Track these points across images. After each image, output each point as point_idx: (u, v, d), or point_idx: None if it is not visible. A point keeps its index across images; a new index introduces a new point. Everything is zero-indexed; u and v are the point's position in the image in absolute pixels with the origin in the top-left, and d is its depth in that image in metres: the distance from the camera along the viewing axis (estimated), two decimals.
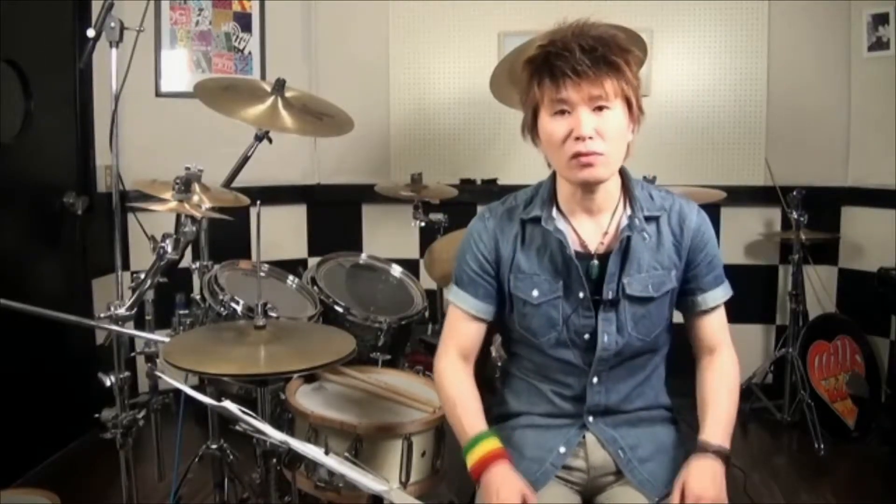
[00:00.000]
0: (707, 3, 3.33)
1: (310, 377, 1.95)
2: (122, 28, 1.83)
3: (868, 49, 3.20)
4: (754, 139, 3.37)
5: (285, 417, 1.91)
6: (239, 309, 2.14)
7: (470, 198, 3.27)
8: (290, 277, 2.52)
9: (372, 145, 3.57)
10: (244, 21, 3.43)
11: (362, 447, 1.67)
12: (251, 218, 2.73)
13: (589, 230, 1.41)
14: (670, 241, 1.40)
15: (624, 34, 1.32)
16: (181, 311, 2.22)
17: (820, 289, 3.37)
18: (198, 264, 2.35)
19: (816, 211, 3.14)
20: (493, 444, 1.37)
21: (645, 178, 2.04)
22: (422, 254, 3.40)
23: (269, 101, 2.35)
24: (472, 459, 1.36)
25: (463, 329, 1.48)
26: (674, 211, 1.42)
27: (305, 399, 1.84)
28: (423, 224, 2.88)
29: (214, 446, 2.10)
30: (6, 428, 2.41)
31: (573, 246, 1.38)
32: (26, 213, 2.72)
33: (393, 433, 1.69)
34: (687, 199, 1.45)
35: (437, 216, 2.84)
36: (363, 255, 2.80)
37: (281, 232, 3.52)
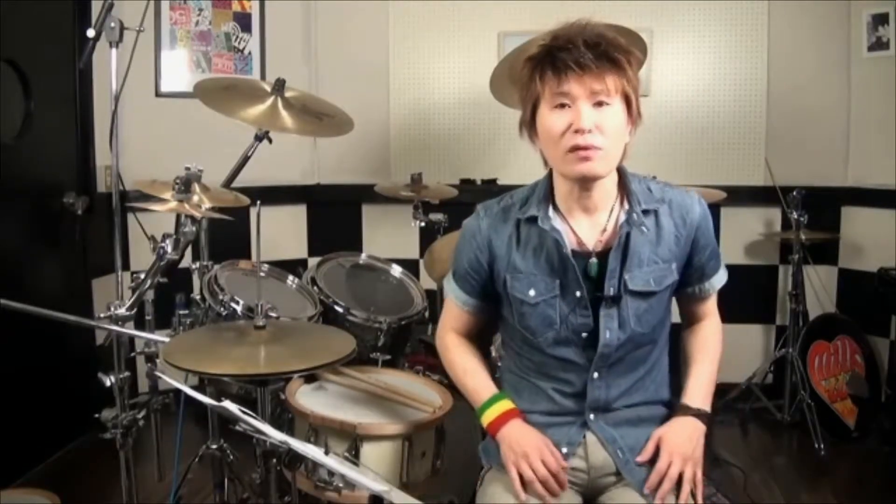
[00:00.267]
0: (707, 3, 3.33)
1: (310, 377, 1.95)
2: (122, 28, 1.83)
3: (868, 49, 3.20)
4: (754, 139, 3.37)
5: (285, 417, 1.91)
6: (239, 309, 2.14)
7: (470, 198, 3.23)
8: (290, 277, 2.51)
9: (372, 145, 3.57)
10: (244, 21, 3.43)
11: (362, 447, 1.67)
12: (251, 218, 2.73)
13: (586, 228, 1.41)
14: (671, 233, 1.41)
15: (624, 37, 1.33)
16: (181, 312, 2.22)
17: (820, 289, 3.37)
18: (198, 264, 2.34)
19: (816, 211, 3.14)
20: (507, 404, 1.45)
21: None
22: (422, 254, 3.40)
23: (269, 101, 2.35)
24: (488, 418, 1.44)
25: (458, 316, 1.57)
26: (674, 203, 1.42)
27: (305, 399, 1.84)
28: (422, 224, 2.88)
29: (214, 446, 2.10)
30: (6, 428, 2.41)
31: (570, 245, 1.39)
32: (26, 213, 2.72)
33: (393, 433, 1.69)
34: (686, 190, 1.46)
35: (436, 216, 2.85)
36: (363, 255, 2.80)
37: (281, 232, 3.53)
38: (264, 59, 3.47)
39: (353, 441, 1.67)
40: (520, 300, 1.42)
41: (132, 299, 1.78)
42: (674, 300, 1.50)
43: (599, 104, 1.29)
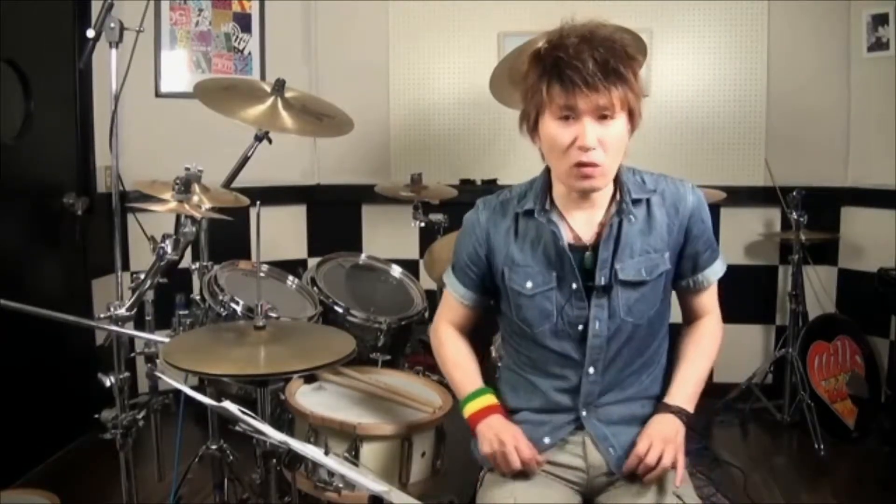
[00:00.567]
0: (707, 3, 3.33)
1: (310, 377, 1.94)
2: (122, 28, 1.83)
3: (868, 49, 3.20)
4: (754, 139, 3.37)
5: (285, 418, 1.91)
6: (239, 309, 2.14)
7: (470, 198, 3.21)
8: (290, 278, 2.52)
9: (372, 145, 3.57)
10: (244, 21, 3.43)
11: (362, 447, 1.67)
12: (251, 218, 2.73)
13: (582, 222, 1.43)
14: (663, 223, 1.42)
15: (628, 36, 1.33)
16: (181, 312, 2.22)
17: (820, 289, 3.37)
18: (198, 265, 2.34)
19: (816, 211, 3.14)
20: (489, 399, 1.49)
21: None
22: (421, 254, 3.40)
23: (269, 101, 2.35)
24: (469, 411, 1.48)
25: (454, 309, 1.60)
26: (667, 192, 1.43)
27: (305, 399, 1.84)
28: (422, 224, 2.88)
29: (214, 447, 2.09)
30: (6, 428, 2.42)
31: (566, 238, 1.41)
32: (26, 214, 2.72)
33: (393, 433, 1.69)
34: (681, 179, 1.47)
35: (436, 216, 2.85)
36: (363, 256, 2.80)
37: (281, 232, 3.53)
38: (264, 60, 3.46)
39: (352, 441, 1.67)
40: (517, 292, 1.44)
41: (132, 300, 1.78)
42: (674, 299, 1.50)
43: (603, 117, 1.31)
